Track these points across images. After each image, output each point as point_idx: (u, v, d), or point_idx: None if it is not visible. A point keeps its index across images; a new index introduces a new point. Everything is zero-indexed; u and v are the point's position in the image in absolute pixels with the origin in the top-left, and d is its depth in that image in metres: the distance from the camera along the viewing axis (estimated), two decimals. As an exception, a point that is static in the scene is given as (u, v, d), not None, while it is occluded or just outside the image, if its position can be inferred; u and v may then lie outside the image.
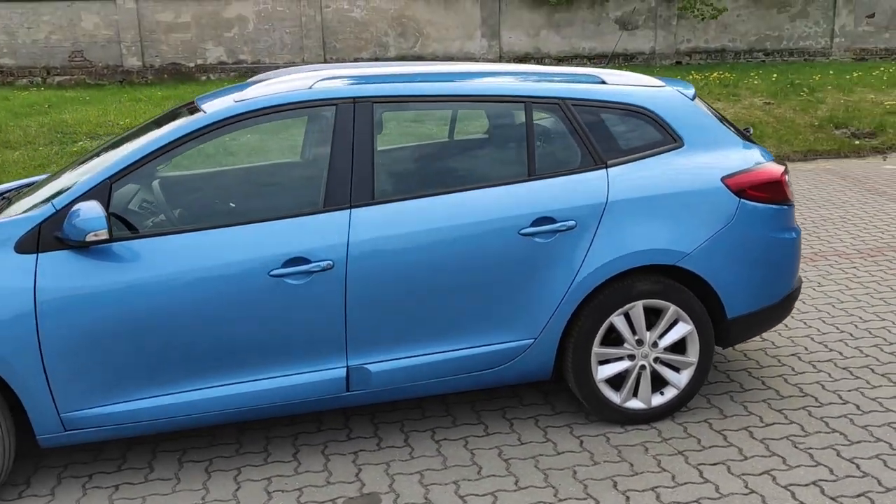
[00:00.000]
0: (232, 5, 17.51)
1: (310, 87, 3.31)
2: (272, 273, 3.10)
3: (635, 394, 3.53)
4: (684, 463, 3.24)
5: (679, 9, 17.33)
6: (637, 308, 3.42)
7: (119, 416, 3.11)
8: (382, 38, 17.91)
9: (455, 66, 3.69)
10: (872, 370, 3.98)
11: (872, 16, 17.90)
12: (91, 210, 2.88)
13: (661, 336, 3.49)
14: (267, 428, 3.63)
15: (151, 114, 11.14)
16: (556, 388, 3.90)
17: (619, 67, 16.82)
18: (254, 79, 4.22)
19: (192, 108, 3.55)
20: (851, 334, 4.43)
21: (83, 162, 3.76)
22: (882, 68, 13.81)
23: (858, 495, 2.98)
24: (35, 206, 3.16)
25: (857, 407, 3.62)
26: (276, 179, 3.44)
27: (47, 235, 3.00)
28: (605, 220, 3.35)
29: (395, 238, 3.20)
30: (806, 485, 3.06)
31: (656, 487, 3.08)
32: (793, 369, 4.03)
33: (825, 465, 3.17)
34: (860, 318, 4.65)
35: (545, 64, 17.98)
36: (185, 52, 17.56)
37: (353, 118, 3.27)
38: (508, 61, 17.98)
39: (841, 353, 4.19)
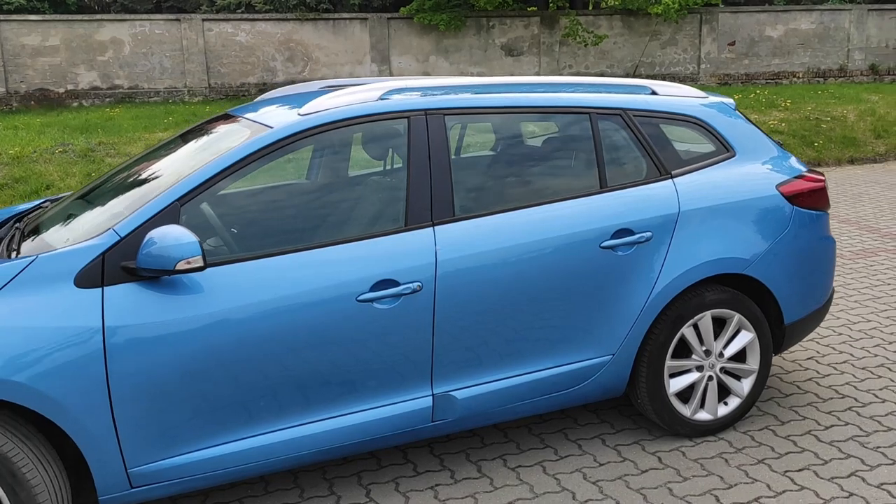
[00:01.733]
0: (105, 28, 16.59)
1: (378, 99, 3.10)
2: (360, 298, 2.85)
3: (702, 405, 3.51)
4: (770, 471, 3.23)
5: (563, 36, 17.95)
6: (706, 318, 3.41)
7: (192, 468, 2.75)
8: (270, 63, 17.48)
9: (509, 78, 3.58)
10: (889, 368, 4.16)
11: (734, 44, 19.22)
12: (181, 235, 2.54)
13: (726, 346, 3.49)
14: (323, 470, 3.34)
15: (37, 143, 10.29)
16: (604, 406, 3.82)
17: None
18: (266, 96, 3.95)
19: (231, 120, 3.26)
20: (850, 335, 4.63)
21: (102, 185, 3.37)
22: (741, 93, 14.66)
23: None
24: (84, 234, 2.76)
25: (896, 404, 3.77)
26: (348, 196, 3.19)
27: (112, 266, 2.62)
28: (678, 231, 3.32)
29: (479, 256, 3.03)
30: (895, 482, 3.13)
31: (759, 498, 3.05)
32: (818, 372, 4.15)
33: (902, 462, 3.26)
34: (847, 321, 4.88)
35: (435, 89, 18.12)
36: (53, 77, 16.43)
37: (426, 131, 3.08)
38: (398, 86, 17.94)
39: (851, 355, 4.36)
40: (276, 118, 3.07)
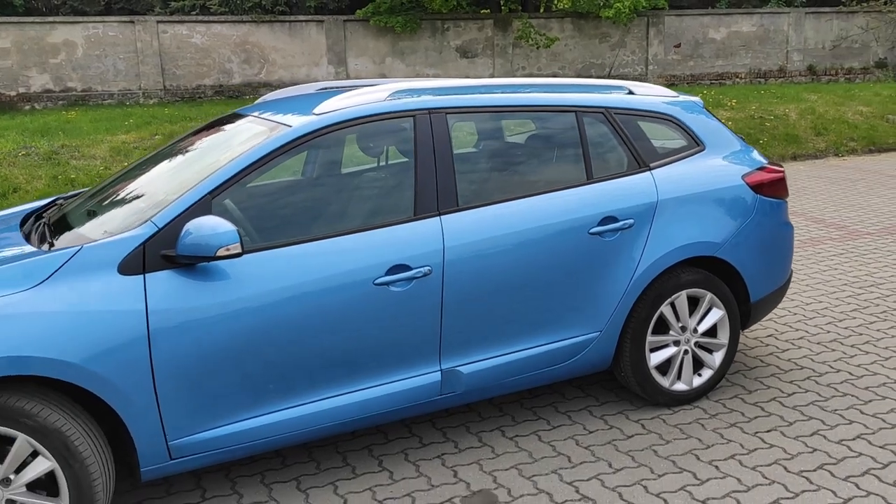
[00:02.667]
0: (58, 30, 16.44)
1: (386, 100, 3.37)
2: (377, 282, 3.12)
3: (678, 377, 3.85)
4: (742, 433, 3.59)
5: (516, 38, 18.33)
6: (682, 297, 3.76)
7: (225, 440, 2.98)
8: (226, 65, 17.51)
9: (501, 80, 3.88)
10: (840, 342, 4.57)
11: (679, 46, 19.87)
12: (219, 224, 2.77)
13: (699, 322, 3.85)
14: (336, 444, 3.59)
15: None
16: (589, 382, 4.14)
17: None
18: (269, 96, 4.19)
19: (244, 119, 3.51)
20: (804, 315, 5.04)
21: (123, 180, 3.57)
22: (688, 94, 15.29)
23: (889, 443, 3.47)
24: (122, 225, 2.97)
25: (850, 374, 4.16)
26: (362, 189, 3.43)
27: (153, 254, 2.84)
28: (657, 218, 3.66)
29: (481, 242, 3.32)
30: (853, 438, 3.50)
31: (734, 455, 3.40)
32: (777, 347, 4.54)
33: (859, 423, 3.64)
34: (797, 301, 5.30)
35: (391, 90, 18.36)
36: (4, 79, 16.23)
37: (430, 128, 3.36)
38: (355, 88, 18.13)
39: (807, 332, 4.76)
40: (292, 117, 3.31)
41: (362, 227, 3.18)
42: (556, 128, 3.72)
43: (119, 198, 3.37)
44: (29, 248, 3.01)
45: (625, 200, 3.61)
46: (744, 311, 3.99)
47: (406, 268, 3.16)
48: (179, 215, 2.90)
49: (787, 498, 3.07)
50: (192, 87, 17.20)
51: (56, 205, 3.84)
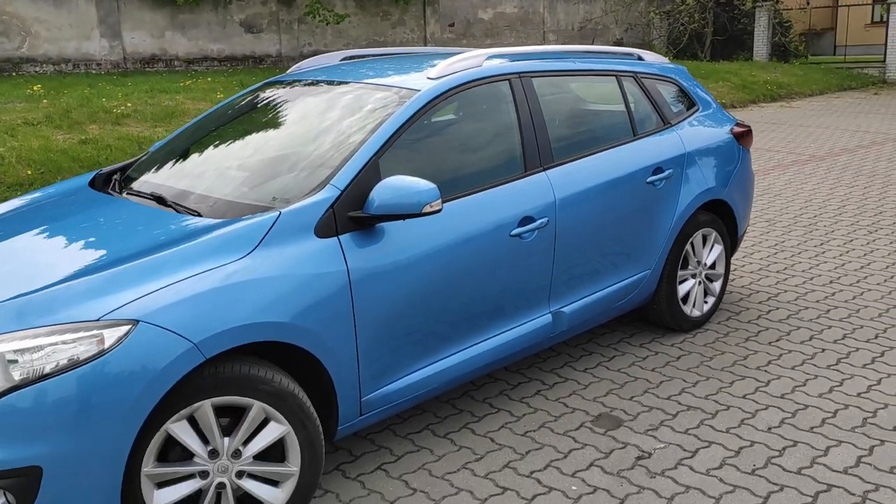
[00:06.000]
0: None
1: (483, 65, 3.57)
2: (512, 233, 3.35)
3: (694, 305, 4.48)
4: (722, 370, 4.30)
5: (304, 14, 18.18)
6: (699, 236, 4.38)
7: (398, 394, 3.07)
8: (-19, 38, 15.53)
9: (546, 48, 4.18)
10: (767, 272, 5.51)
11: (453, 25, 20.90)
12: (420, 182, 2.85)
13: (707, 257, 4.50)
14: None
15: None
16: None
17: (249, 71, 17.10)
18: (301, 65, 4.17)
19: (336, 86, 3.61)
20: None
21: (218, 142, 3.50)
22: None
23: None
24: (293, 189, 2.94)
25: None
26: (483, 149, 3.54)
27: (341, 216, 2.86)
28: (686, 169, 4.23)
29: (578, 193, 3.65)
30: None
31: (684, 391, 4.09)
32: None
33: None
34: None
35: (174, 67, 17.43)
36: None
37: (524, 91, 3.63)
38: (134, 63, 17.02)
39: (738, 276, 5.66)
40: (413, 82, 3.39)
41: (491, 184, 3.38)
42: (606, 90, 4.14)
43: (248, 161, 3.29)
44: (192, 219, 2.87)
45: (665, 153, 4.13)
46: (733, 244, 4.72)
47: (531, 219, 3.43)
48: (355, 178, 2.93)
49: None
50: (-61, 63, 15.05)
51: (128, 177, 3.57)
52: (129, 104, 11.37)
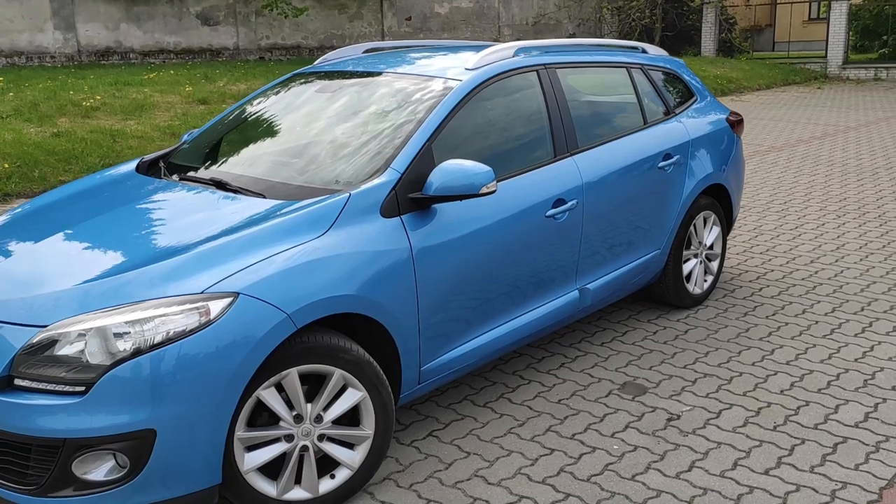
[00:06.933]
0: None
1: (513, 57, 3.78)
2: (547, 214, 3.58)
3: (695, 283, 4.78)
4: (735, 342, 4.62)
5: (262, 6, 18.10)
6: (700, 218, 4.68)
7: (451, 363, 3.27)
8: (-68, 28, 15.12)
9: (560, 41, 4.41)
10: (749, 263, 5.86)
11: (409, 19, 21.05)
12: (477, 165, 3.04)
13: (706, 237, 4.81)
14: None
15: None
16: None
17: (208, 64, 16.96)
18: (327, 56, 4.32)
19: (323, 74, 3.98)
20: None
21: (272, 131, 3.64)
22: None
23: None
24: (355, 173, 3.12)
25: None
26: (518, 134, 3.74)
27: (402, 197, 3.04)
28: (691, 155, 4.51)
29: (602, 177, 3.90)
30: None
31: (697, 360, 4.41)
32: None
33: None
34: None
35: (130, 59, 17.20)
36: None
37: (550, 82, 3.86)
38: (88, 56, 16.74)
39: (720, 247, 5.97)
40: (454, 72, 3.58)
41: (527, 168, 3.60)
42: (618, 81, 4.40)
43: (305, 148, 3.44)
44: (265, 201, 3.02)
45: (673, 140, 4.41)
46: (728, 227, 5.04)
47: (563, 201, 3.66)
48: (412, 161, 3.12)
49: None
50: None
51: (172, 164, 3.69)
52: (97, 97, 11.26)
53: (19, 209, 3.49)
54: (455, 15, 21.72)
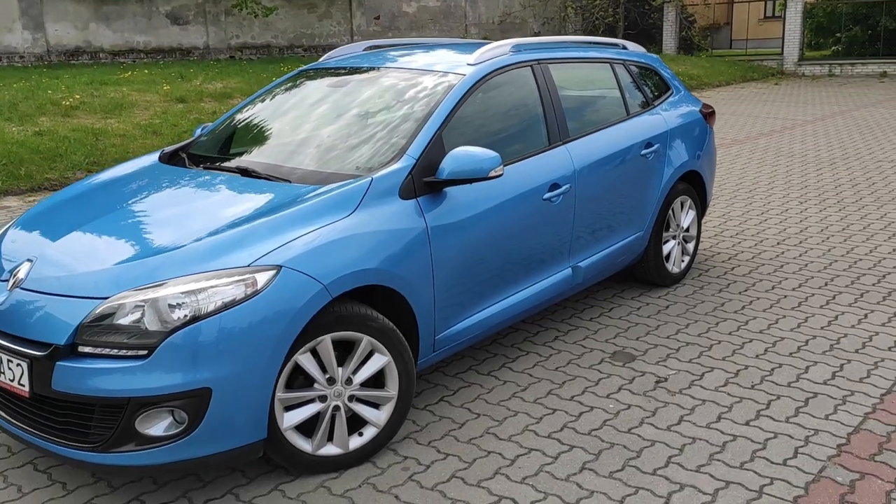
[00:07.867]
0: None
1: (509, 53, 4.09)
2: (544, 197, 3.90)
3: (673, 263, 5.15)
4: (716, 316, 5.00)
5: (232, 6, 18.21)
6: (678, 203, 5.04)
7: (461, 333, 3.57)
8: None
9: (550, 38, 4.74)
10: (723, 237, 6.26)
11: (378, 18, 21.30)
12: (485, 151, 3.34)
13: (684, 220, 5.18)
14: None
15: None
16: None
17: (180, 63, 17.03)
18: (331, 54, 4.60)
19: (320, 72, 4.28)
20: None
21: (289, 122, 3.92)
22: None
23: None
24: (374, 159, 3.40)
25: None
26: (517, 124, 4.05)
27: (418, 181, 3.34)
28: (669, 144, 4.87)
29: (592, 164, 4.22)
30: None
31: (679, 331, 4.79)
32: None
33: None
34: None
35: (100, 59, 17.20)
36: None
37: (543, 76, 4.18)
38: (58, 56, 16.73)
39: (693, 232, 6.36)
40: (458, 67, 3.89)
41: (525, 155, 3.91)
42: (603, 75, 4.74)
43: (323, 138, 3.70)
44: (293, 185, 3.29)
45: (653, 130, 4.77)
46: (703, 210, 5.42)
47: (557, 185, 3.98)
48: (426, 148, 3.42)
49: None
50: None
51: (193, 155, 3.94)
52: (76, 96, 11.36)
53: (55, 197, 3.72)
54: (423, 14, 22.01)
